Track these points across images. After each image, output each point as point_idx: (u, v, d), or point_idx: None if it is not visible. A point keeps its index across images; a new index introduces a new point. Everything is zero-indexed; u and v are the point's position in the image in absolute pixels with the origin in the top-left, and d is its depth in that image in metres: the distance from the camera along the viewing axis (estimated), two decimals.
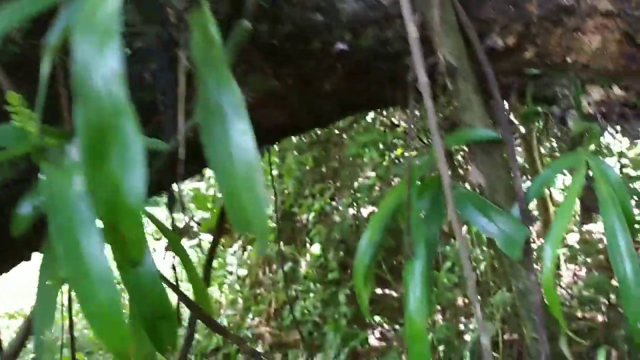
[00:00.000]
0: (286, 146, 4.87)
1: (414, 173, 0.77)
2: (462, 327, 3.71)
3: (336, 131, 4.20)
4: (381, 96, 0.96)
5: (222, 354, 4.39)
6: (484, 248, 3.82)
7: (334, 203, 5.18)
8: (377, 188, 4.72)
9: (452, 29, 0.76)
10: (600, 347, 2.97)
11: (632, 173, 3.43)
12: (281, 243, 5.12)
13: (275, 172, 5.02)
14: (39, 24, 0.61)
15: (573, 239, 4.38)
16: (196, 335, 4.57)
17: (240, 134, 0.47)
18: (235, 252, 5.72)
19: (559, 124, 0.82)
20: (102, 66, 0.43)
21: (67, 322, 1.16)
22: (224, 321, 4.91)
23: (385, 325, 4.64)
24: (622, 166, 3.43)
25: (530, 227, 0.73)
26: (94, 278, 0.46)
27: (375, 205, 4.56)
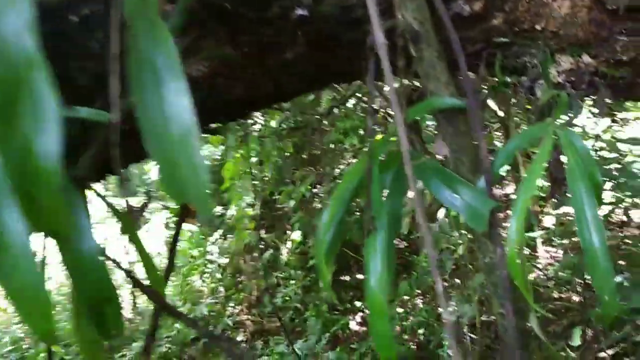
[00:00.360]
0: (265, 132, 4.81)
1: (375, 146, 0.73)
2: (441, 310, 3.73)
3: (316, 117, 4.15)
4: (350, 69, 0.92)
5: (202, 343, 4.35)
6: (462, 231, 3.83)
7: (315, 190, 5.15)
8: None
9: None
10: (575, 327, 3.02)
11: (608, 155, 3.46)
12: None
13: (254, 159, 4.96)
14: None
15: (549, 221, 4.43)
16: (176, 325, 4.52)
17: (176, 94, 0.43)
18: (216, 240, 5.66)
19: (528, 94, 0.79)
20: (13, 16, 0.38)
21: None
22: (204, 310, 4.87)
23: (366, 310, 4.65)
24: (598, 149, 3.46)
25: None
26: (14, 252, 0.42)
27: None
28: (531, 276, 3.84)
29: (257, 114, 5.01)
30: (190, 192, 0.41)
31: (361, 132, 5.14)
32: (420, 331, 3.82)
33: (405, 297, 4.03)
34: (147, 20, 0.46)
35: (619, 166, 3.28)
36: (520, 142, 0.74)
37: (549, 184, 0.81)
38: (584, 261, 0.58)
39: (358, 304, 4.70)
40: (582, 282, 3.33)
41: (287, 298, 4.78)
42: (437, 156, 0.77)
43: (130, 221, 0.71)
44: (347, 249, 4.48)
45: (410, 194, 0.71)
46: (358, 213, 4.52)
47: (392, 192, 0.74)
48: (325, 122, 4.77)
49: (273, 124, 4.84)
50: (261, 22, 0.75)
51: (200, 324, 4.33)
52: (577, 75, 0.77)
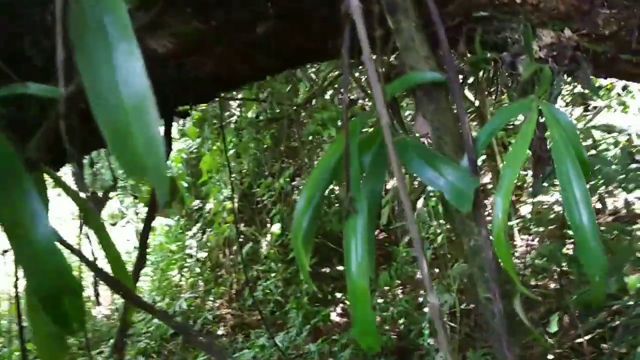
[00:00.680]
0: (242, 124, 4.73)
1: (353, 125, 0.69)
2: (421, 300, 3.74)
3: (294, 107, 4.09)
4: (324, 47, 0.88)
5: (181, 338, 4.29)
6: (441, 221, 3.84)
7: (294, 183, 5.10)
8: None
9: None
10: (552, 314, 3.05)
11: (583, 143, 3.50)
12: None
13: (232, 152, 4.89)
14: None
15: (526, 210, 4.48)
16: (155, 320, 4.44)
17: (127, 56, 0.38)
18: (194, 234, 5.58)
19: (509, 70, 0.77)
20: None
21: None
22: (183, 305, 4.79)
23: (347, 302, 4.65)
24: None
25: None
26: None
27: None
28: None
29: (233, 105, 4.93)
30: (146, 165, 0.37)
31: (339, 123, 5.11)
32: (401, 321, 3.83)
33: (386, 288, 4.02)
34: None
35: (594, 152, 3.32)
36: (504, 118, 0.71)
37: (532, 164, 0.79)
38: (575, 241, 0.55)
39: (339, 295, 4.69)
40: (559, 269, 3.37)
41: (267, 291, 4.74)
42: (417, 135, 0.74)
43: (93, 208, 0.66)
44: (328, 240, 4.46)
45: (390, 180, 0.67)
46: (338, 205, 4.50)
47: (371, 174, 0.71)
48: (303, 113, 4.71)
49: (250, 114, 4.76)
50: None
51: (177, 318, 4.26)
52: (559, 49, 0.74)
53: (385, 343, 3.63)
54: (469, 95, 3.72)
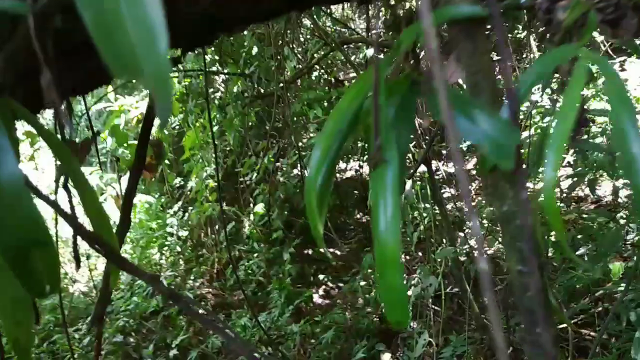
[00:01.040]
0: (227, 100, 4.59)
1: (380, 67, 0.60)
2: (404, 282, 3.71)
3: (280, 85, 3.97)
4: None
5: (161, 316, 4.19)
6: (427, 205, 3.80)
7: (278, 164, 5.00)
8: None
9: None
10: None
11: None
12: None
13: (215, 128, 4.75)
14: None
15: None
16: (134, 298, 4.33)
17: None
18: (175, 212, 5.44)
19: (546, 17, 0.68)
20: None
21: None
22: (164, 283, 4.68)
23: (330, 284, 4.60)
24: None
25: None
26: None
27: None
28: (491, 250, 3.87)
29: (218, 80, 4.77)
30: (143, 62, 0.27)
31: (325, 103, 5.01)
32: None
33: (369, 270, 3.98)
34: None
35: (585, 137, 3.29)
36: (546, 67, 0.63)
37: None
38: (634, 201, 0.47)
39: (321, 277, 4.64)
40: (544, 254, 3.36)
41: (249, 271, 4.66)
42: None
43: (71, 152, 0.56)
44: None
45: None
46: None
47: (397, 126, 0.62)
48: (288, 93, 4.60)
49: (235, 90, 4.63)
50: None
51: (157, 297, 4.15)
52: None
53: (368, 326, 3.60)
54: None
